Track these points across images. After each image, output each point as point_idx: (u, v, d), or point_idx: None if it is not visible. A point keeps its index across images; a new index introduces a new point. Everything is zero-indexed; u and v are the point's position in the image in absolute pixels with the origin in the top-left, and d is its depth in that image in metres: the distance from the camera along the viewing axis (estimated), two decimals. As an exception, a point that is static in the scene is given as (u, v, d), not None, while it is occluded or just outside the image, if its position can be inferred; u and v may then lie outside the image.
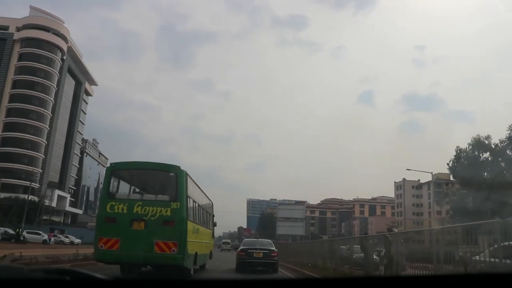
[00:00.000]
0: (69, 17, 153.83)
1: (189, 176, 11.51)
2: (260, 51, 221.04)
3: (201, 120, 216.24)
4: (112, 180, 11.43)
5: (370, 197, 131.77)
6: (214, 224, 17.82)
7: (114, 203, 10.61)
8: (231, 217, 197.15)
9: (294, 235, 47.23)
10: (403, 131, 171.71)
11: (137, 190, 12.36)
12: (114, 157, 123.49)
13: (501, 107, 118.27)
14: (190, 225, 11.26)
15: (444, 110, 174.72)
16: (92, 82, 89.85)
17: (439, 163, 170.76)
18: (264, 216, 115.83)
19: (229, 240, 60.52)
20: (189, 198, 11.27)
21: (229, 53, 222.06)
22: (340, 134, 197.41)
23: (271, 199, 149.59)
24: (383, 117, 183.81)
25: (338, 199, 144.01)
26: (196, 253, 12.04)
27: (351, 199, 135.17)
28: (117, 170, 11.78)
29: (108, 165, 12.33)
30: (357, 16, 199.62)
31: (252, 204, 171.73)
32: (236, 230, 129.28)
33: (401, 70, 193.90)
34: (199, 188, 13.94)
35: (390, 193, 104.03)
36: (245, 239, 21.01)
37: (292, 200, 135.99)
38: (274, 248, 16.41)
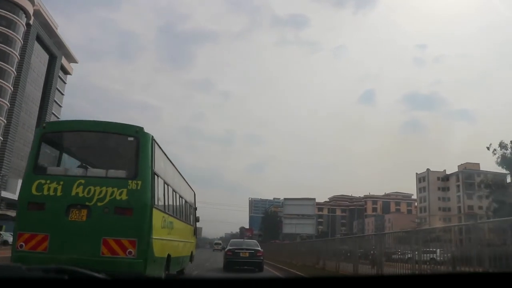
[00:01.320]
0: (68, 18, 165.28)
1: (158, 145, 8.87)
2: (260, 51, 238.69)
3: (201, 121, 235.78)
4: (42, 147, 8.66)
5: (382, 193, 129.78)
6: (197, 219, 16.45)
7: (43, 181, 7.95)
8: (233, 218, 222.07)
9: (303, 234, 44.74)
10: (405, 130, 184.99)
11: (80, 162, 9.68)
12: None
13: (504, 107, 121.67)
14: (158, 216, 8.64)
15: (446, 109, 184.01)
16: (71, 59, 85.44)
17: (444, 162, 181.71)
18: (267, 215, 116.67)
19: (220, 241, 69.87)
20: (158, 176, 8.63)
21: (229, 53, 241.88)
22: (341, 133, 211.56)
23: (274, 198, 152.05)
24: (385, 116, 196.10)
25: (348, 195, 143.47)
26: (168, 255, 9.79)
27: (362, 195, 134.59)
28: (51, 133, 9.01)
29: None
30: (358, 15, 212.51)
31: (255, 204, 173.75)
32: (238, 230, 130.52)
33: (402, 69, 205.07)
34: (174, 166, 11.27)
35: (405, 189, 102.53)
36: (232, 240, 23.68)
37: (295, 199, 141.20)
38: (259, 248, 18.48)
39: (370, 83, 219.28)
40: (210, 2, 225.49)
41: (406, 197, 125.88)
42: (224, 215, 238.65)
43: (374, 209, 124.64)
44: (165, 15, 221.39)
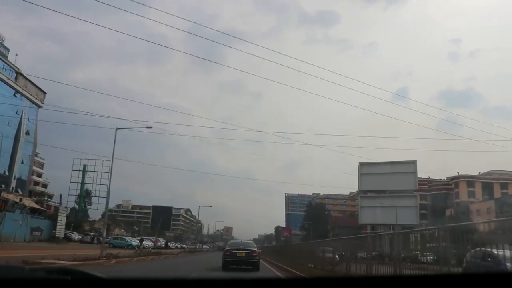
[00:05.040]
0: (97, 21, 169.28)
1: None
2: (288, 49, 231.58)
3: (232, 121, 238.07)
4: None
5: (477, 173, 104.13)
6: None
7: None
8: (267, 218, 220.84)
9: (395, 225, 16.98)
10: (441, 128, 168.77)
11: None
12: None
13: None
14: None
15: (484, 106, 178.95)
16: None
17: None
18: (312, 208, 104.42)
19: None
20: None
21: (257, 52, 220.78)
22: (374, 132, 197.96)
23: (313, 193, 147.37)
24: (420, 115, 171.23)
25: (425, 178, 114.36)
26: None
27: (445, 178, 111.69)
28: None
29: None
30: (388, 10, 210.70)
31: (292, 200, 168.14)
32: (274, 231, 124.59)
33: (436, 65, 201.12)
34: None
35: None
36: (231, 241, 28.16)
37: (338, 195, 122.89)
38: (255, 249, 21.09)
39: (403, 81, 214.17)
40: (238, 1, 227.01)
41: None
42: (258, 216, 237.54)
43: (471, 193, 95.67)
44: (193, 16, 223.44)
